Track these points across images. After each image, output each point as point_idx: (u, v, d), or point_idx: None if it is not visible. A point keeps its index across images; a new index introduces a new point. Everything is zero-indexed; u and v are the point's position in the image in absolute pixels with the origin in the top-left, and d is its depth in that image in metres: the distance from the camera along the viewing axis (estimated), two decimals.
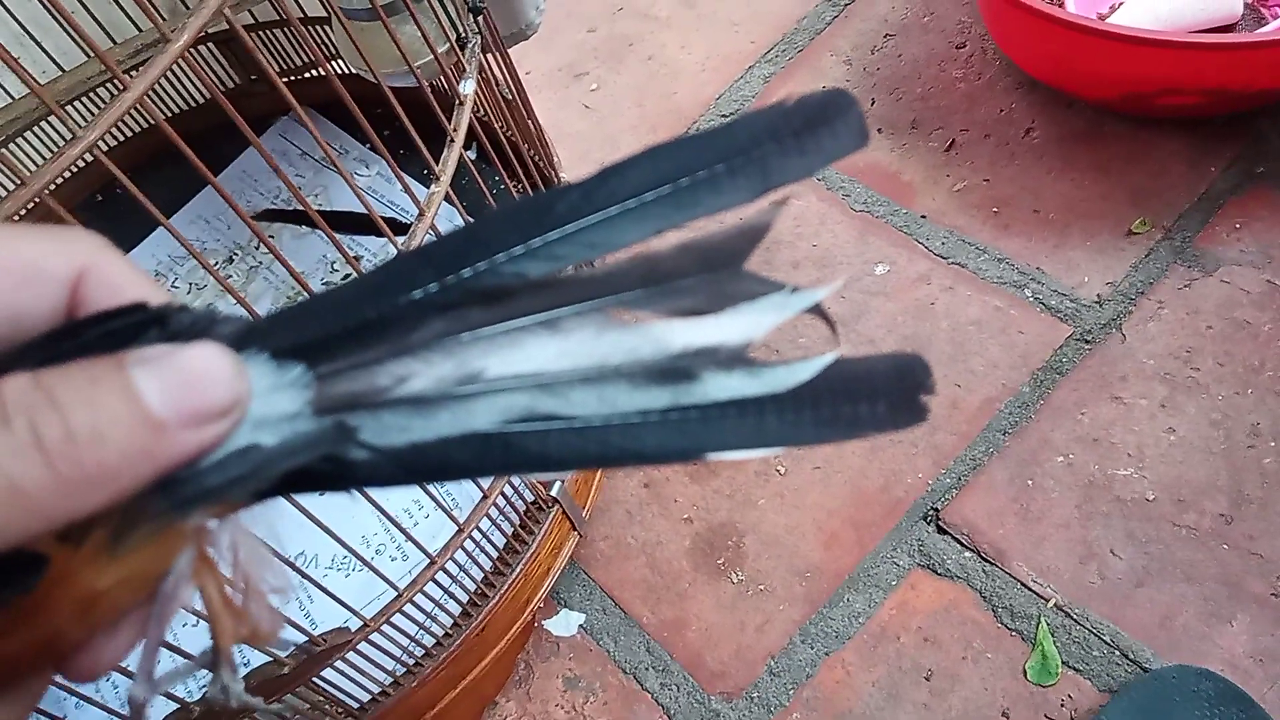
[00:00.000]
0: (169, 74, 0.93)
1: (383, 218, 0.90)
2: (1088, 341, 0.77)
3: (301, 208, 0.94)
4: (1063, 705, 0.64)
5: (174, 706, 0.51)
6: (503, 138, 0.65)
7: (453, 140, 0.54)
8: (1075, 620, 0.66)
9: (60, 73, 0.77)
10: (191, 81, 0.94)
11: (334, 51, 0.86)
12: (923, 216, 0.88)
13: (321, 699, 0.59)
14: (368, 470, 0.20)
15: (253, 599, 0.23)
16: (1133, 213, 0.82)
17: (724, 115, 1.00)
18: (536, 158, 0.75)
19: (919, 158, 0.91)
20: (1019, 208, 0.86)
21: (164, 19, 0.39)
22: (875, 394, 0.20)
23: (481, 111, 0.75)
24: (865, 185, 0.91)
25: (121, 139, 0.95)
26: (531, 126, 0.74)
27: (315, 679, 0.57)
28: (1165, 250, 0.80)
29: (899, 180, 0.91)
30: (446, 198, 0.53)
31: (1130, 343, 0.76)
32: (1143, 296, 0.78)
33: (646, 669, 0.72)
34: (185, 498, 0.19)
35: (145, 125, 0.95)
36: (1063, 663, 0.65)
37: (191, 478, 0.19)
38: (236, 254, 0.92)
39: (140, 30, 0.79)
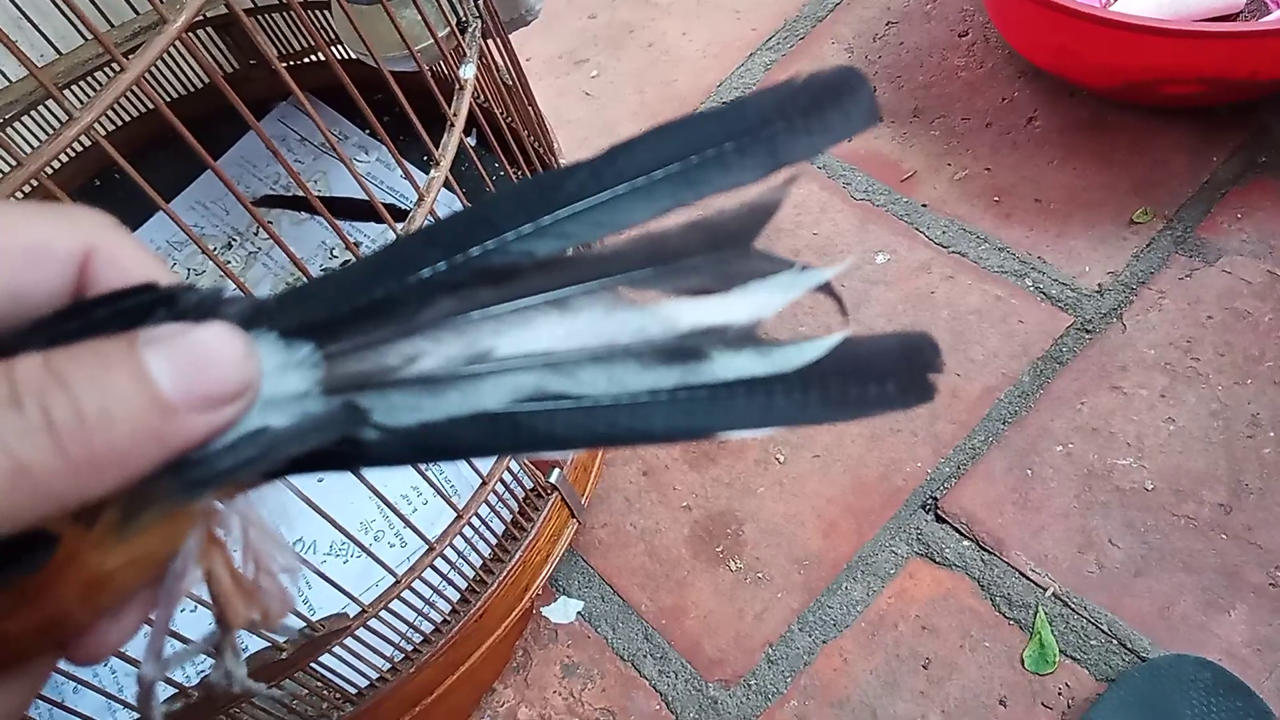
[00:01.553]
0: (167, 59, 0.93)
1: (382, 204, 0.90)
2: (1088, 331, 0.77)
3: (300, 194, 0.93)
4: (1060, 694, 0.64)
5: (172, 691, 0.51)
6: (503, 124, 0.64)
7: (453, 125, 0.53)
8: (1073, 609, 0.66)
9: (58, 55, 0.77)
10: (190, 67, 0.94)
11: (334, 36, 0.86)
12: (923, 205, 0.87)
13: (319, 684, 0.59)
14: (378, 450, 0.20)
15: (263, 580, 0.22)
16: (1135, 202, 0.82)
17: (724, 102, 1.00)
18: (536, 144, 0.75)
19: (920, 146, 0.91)
20: (1020, 197, 0.85)
21: (162, 1, 0.38)
22: (884, 374, 0.20)
23: (482, 98, 0.75)
24: (866, 173, 0.91)
25: (120, 124, 0.95)
26: (532, 113, 0.73)
27: (313, 664, 0.57)
28: (1167, 240, 0.80)
29: (900, 168, 0.90)
30: (446, 183, 0.53)
31: (1131, 332, 0.76)
32: (1144, 286, 0.78)
33: (645, 656, 0.72)
34: (196, 480, 0.19)
35: (143, 110, 0.94)
36: (1060, 651, 0.65)
37: (202, 460, 0.19)
38: (235, 239, 0.92)
39: (138, 14, 0.79)
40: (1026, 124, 0.90)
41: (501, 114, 0.68)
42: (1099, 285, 0.79)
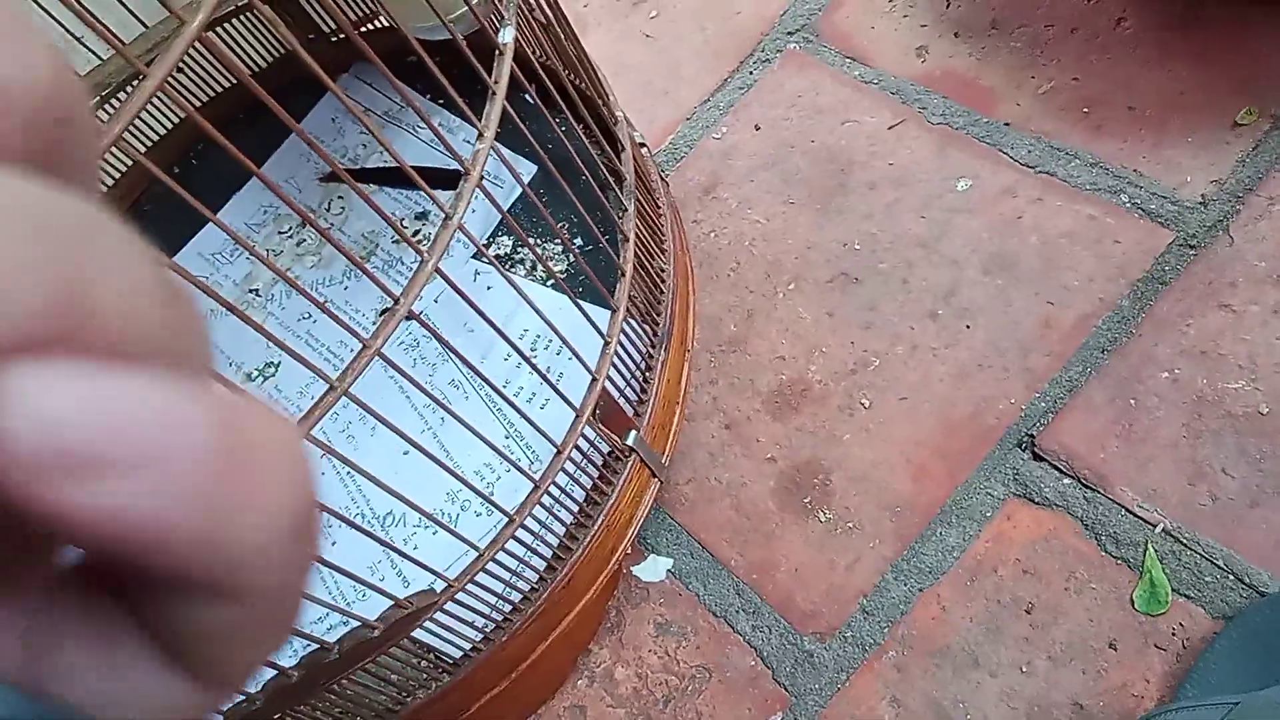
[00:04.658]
0: (234, 39, 0.93)
1: (449, 170, 0.90)
2: (1192, 246, 0.72)
3: (370, 167, 0.94)
4: (1174, 634, 0.61)
5: (272, 673, 0.53)
6: (543, 75, 0.62)
7: (494, 94, 0.52)
8: (1185, 545, 0.63)
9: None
10: (252, 48, 0.94)
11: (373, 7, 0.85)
12: (1006, 124, 0.82)
13: (414, 657, 0.60)
14: None
15: None
16: (1238, 102, 0.76)
17: (789, 32, 0.96)
18: (587, 89, 0.73)
19: (1000, 60, 0.86)
20: (1112, 106, 0.80)
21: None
22: None
23: (537, 52, 0.73)
24: (942, 95, 0.86)
25: (206, 99, 0.96)
26: (582, 64, 0.71)
27: (407, 639, 0.58)
28: (1275, 141, 0.73)
29: (979, 86, 0.85)
30: (495, 150, 0.52)
31: (1239, 245, 0.71)
32: (1251, 193, 0.72)
33: (737, 611, 0.71)
34: None
35: (220, 91, 0.95)
36: (1173, 590, 0.62)
37: None
38: (310, 215, 0.93)
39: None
40: (1116, 25, 0.83)
41: (543, 60, 0.66)
42: (1202, 196, 0.73)
